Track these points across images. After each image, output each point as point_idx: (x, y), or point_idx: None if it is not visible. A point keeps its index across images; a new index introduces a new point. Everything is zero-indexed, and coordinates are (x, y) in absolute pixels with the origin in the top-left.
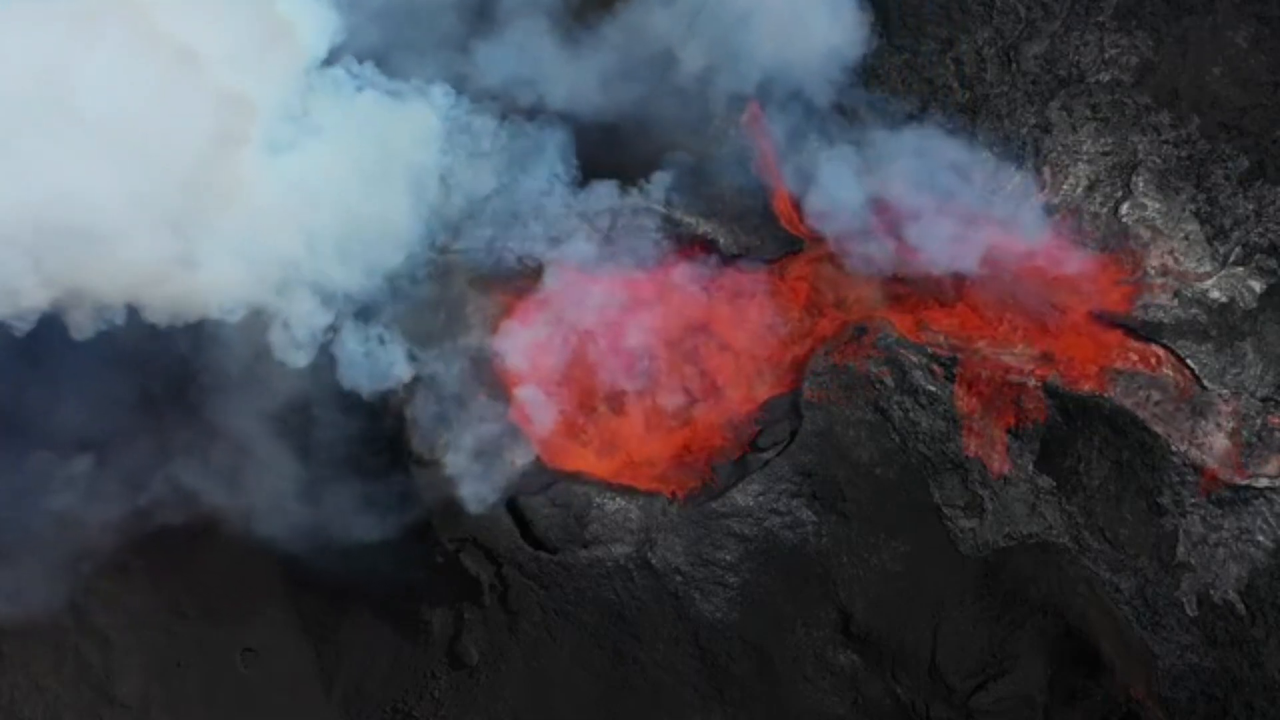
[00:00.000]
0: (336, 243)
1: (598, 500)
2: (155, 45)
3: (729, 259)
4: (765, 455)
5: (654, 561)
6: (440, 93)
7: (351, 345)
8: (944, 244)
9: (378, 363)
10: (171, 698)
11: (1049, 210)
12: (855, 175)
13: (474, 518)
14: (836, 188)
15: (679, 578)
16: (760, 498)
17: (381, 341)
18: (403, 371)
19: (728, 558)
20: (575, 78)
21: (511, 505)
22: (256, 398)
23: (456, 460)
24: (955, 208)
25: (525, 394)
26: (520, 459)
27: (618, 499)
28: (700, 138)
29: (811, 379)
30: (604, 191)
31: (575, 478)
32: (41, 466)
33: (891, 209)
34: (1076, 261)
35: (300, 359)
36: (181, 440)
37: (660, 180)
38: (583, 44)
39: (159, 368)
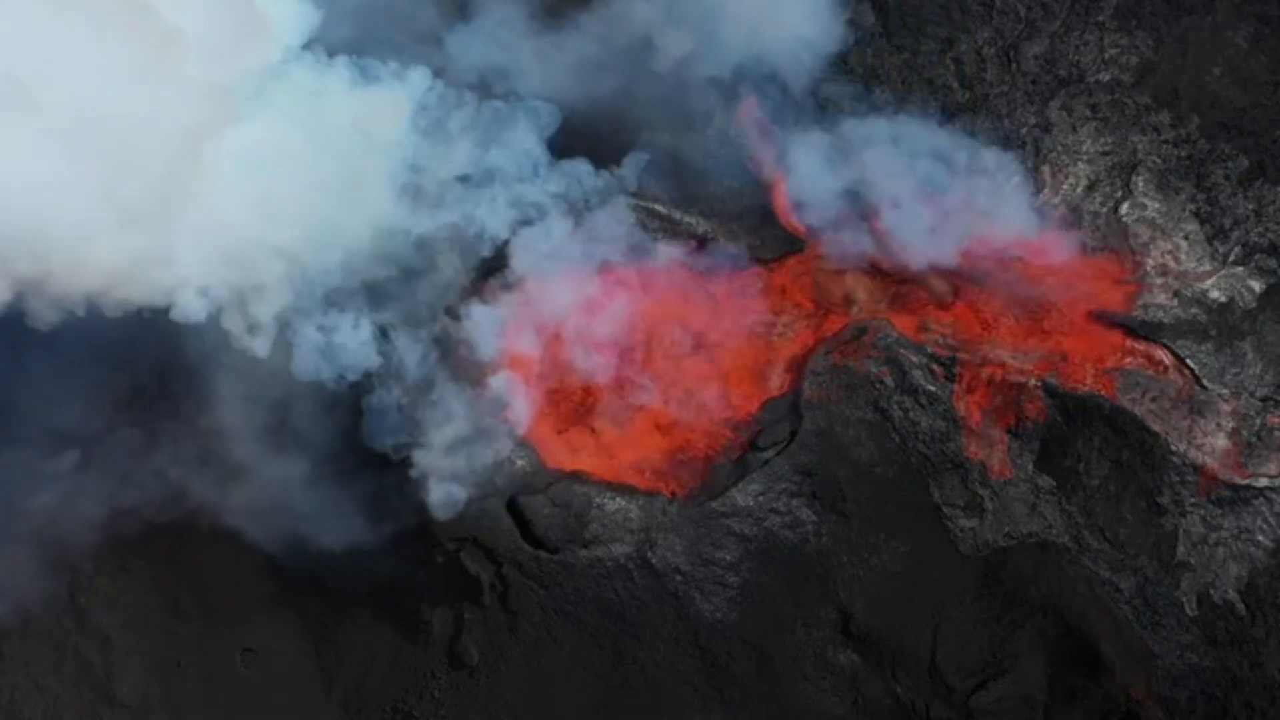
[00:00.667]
0: (302, 225)
1: (598, 500)
2: (135, 29)
3: (728, 258)
4: (765, 455)
5: (654, 561)
6: (415, 76)
7: (314, 332)
8: (930, 236)
9: (343, 350)
10: (171, 698)
11: (1049, 209)
12: (846, 168)
13: (474, 517)
14: (830, 180)
15: (679, 577)
16: (760, 497)
17: (352, 326)
18: (369, 359)
19: (728, 557)
20: (556, 71)
21: (511, 505)
22: (253, 392)
23: (423, 459)
24: (946, 200)
25: (499, 384)
26: (497, 457)
27: (618, 499)
28: (698, 136)
29: (811, 379)
30: (590, 182)
31: (575, 477)
32: (27, 463)
33: (890, 201)
34: (1075, 260)
35: (261, 347)
36: (181, 438)
37: (656, 178)
38: (563, 35)
39: (149, 362)
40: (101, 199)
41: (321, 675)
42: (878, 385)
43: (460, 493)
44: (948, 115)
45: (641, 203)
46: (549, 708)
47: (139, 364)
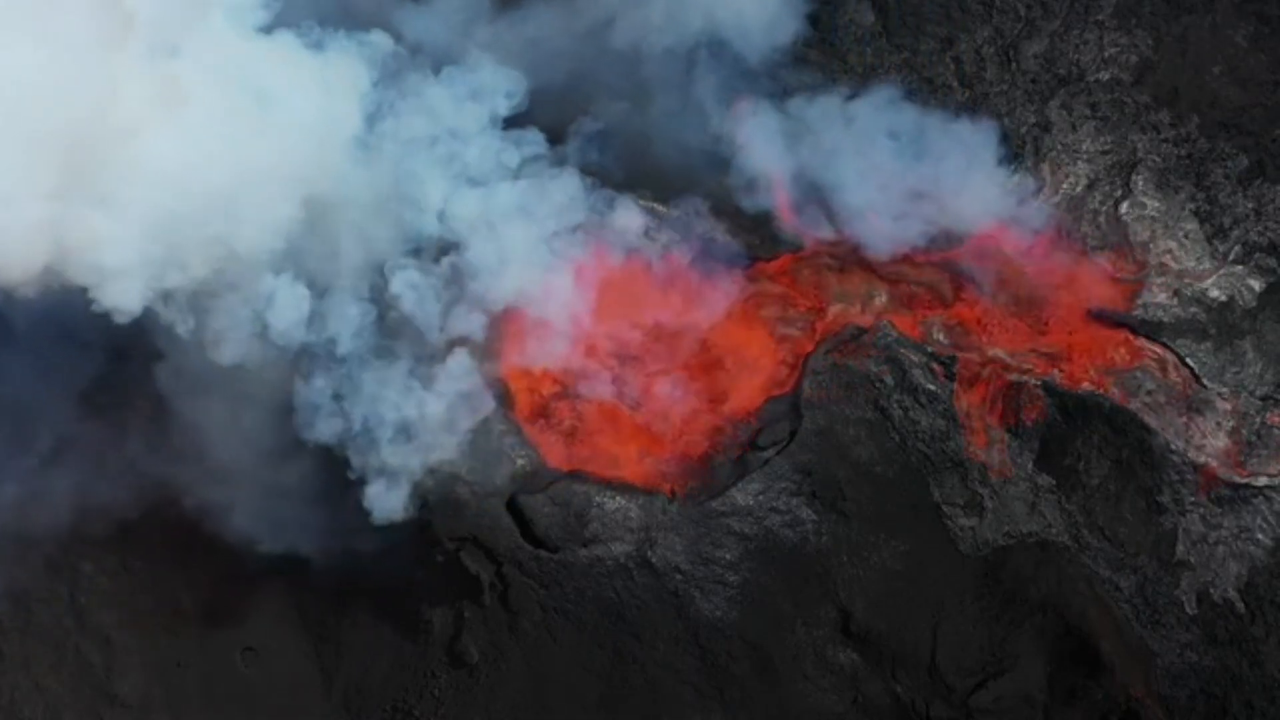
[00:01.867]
0: (241, 199)
1: (598, 499)
2: (89, 10)
3: (728, 255)
4: (765, 454)
5: (654, 560)
6: (368, 43)
7: (239, 311)
8: (896, 219)
9: (276, 329)
10: (171, 698)
11: (1047, 208)
12: (823, 153)
13: (474, 516)
14: (806, 164)
15: (679, 576)
16: (760, 496)
17: (286, 298)
18: (303, 336)
19: (728, 556)
20: (515, 55)
21: (511, 504)
22: (246, 384)
23: (361, 454)
24: (911, 180)
25: (453, 368)
26: (447, 453)
27: (618, 498)
28: (697, 136)
29: (811, 378)
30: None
31: (575, 477)
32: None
33: (856, 183)
34: (1075, 259)
35: (185, 326)
36: (173, 433)
37: (654, 176)
38: (534, 23)
39: (139, 355)
40: (33, 180)
41: (321, 675)
42: (878, 384)
43: (405, 494)
44: (909, 92)
45: (640, 201)
46: (549, 707)
47: (125, 356)
